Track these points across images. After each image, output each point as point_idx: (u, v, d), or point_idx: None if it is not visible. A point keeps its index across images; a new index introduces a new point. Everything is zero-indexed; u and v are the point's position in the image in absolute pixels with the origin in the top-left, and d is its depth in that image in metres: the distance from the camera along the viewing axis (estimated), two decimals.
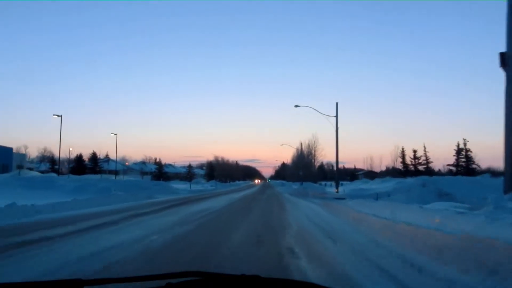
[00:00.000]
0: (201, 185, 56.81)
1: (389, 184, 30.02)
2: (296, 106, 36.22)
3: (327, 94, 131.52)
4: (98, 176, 45.02)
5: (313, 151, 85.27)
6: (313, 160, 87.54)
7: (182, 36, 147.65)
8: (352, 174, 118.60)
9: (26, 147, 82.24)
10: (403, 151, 70.95)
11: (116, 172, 51.93)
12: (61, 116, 36.37)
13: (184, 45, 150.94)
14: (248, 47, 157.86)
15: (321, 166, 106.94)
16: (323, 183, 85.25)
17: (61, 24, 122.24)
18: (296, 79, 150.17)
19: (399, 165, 71.08)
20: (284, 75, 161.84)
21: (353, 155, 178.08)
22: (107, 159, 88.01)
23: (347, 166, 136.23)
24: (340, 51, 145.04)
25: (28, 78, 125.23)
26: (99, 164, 64.05)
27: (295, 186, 62.41)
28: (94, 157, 63.24)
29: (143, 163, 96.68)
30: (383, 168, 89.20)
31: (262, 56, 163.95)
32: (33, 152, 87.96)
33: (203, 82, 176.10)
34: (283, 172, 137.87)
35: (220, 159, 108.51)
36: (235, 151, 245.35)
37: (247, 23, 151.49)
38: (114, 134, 49.04)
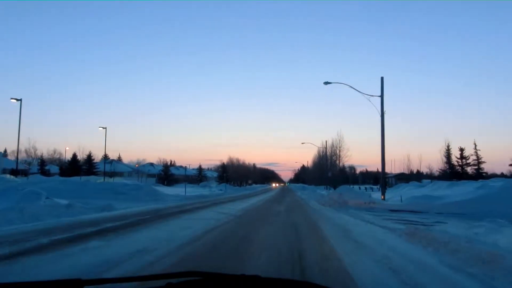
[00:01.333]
0: (208, 189, 48.00)
1: (468, 189, 20.23)
2: (326, 83, 26.85)
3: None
4: (78, 178, 36.70)
5: (337, 151, 74.54)
6: (337, 162, 76.67)
7: (203, 40, 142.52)
8: (375, 178, 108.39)
9: (35, 149, 75.44)
10: (448, 149, 59.44)
11: (104, 174, 43.67)
12: (20, 100, 28.13)
13: (207, 49, 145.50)
14: (272, 48, 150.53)
15: (343, 168, 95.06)
16: (350, 186, 75.45)
17: (88, 26, 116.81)
18: (318, 82, 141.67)
19: (444, 166, 59.64)
20: (307, 77, 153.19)
21: (372, 157, 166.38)
22: (111, 160, 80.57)
23: (369, 169, 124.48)
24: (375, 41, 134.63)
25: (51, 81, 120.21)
26: (94, 165, 55.97)
27: (321, 190, 52.62)
28: (89, 157, 55.20)
29: (151, 164, 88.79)
30: (423, 170, 77.42)
31: (283, 59, 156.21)
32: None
33: (224, 86, 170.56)
34: (303, 175, 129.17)
35: (235, 160, 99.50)
36: (254, 154, 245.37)
37: (261, 25, 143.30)
38: (103, 128, 40.78)
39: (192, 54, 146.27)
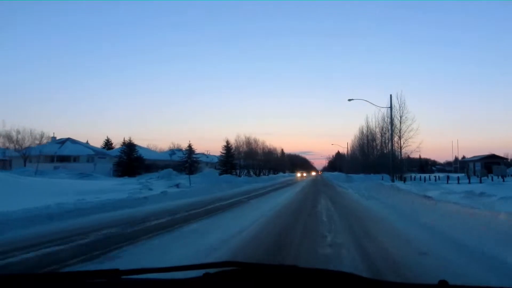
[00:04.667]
0: (161, 183, 23.46)
1: None
2: None
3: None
4: None
5: (397, 121, 42.37)
6: (397, 138, 43.90)
7: (231, 27, 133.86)
8: (420, 165, 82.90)
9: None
10: None
11: None
12: None
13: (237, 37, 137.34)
14: (302, 35, 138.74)
15: (384, 154, 58.82)
16: (417, 175, 48.85)
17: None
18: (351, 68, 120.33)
19: None
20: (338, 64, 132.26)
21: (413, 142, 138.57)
22: (65, 139, 57.76)
23: (411, 156, 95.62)
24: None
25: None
26: None
27: (381, 181, 26.44)
28: None
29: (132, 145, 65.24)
30: None
31: (315, 45, 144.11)
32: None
33: (254, 72, 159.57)
34: (339, 162, 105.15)
35: (252, 140, 68.40)
36: (286, 143, 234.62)
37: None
38: None
39: (227, 40, 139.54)
